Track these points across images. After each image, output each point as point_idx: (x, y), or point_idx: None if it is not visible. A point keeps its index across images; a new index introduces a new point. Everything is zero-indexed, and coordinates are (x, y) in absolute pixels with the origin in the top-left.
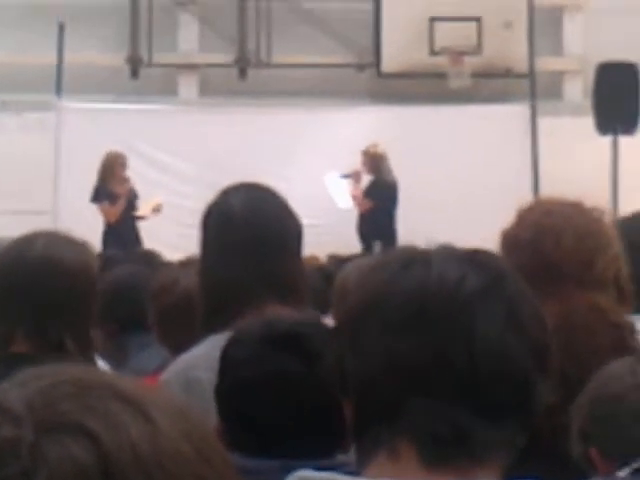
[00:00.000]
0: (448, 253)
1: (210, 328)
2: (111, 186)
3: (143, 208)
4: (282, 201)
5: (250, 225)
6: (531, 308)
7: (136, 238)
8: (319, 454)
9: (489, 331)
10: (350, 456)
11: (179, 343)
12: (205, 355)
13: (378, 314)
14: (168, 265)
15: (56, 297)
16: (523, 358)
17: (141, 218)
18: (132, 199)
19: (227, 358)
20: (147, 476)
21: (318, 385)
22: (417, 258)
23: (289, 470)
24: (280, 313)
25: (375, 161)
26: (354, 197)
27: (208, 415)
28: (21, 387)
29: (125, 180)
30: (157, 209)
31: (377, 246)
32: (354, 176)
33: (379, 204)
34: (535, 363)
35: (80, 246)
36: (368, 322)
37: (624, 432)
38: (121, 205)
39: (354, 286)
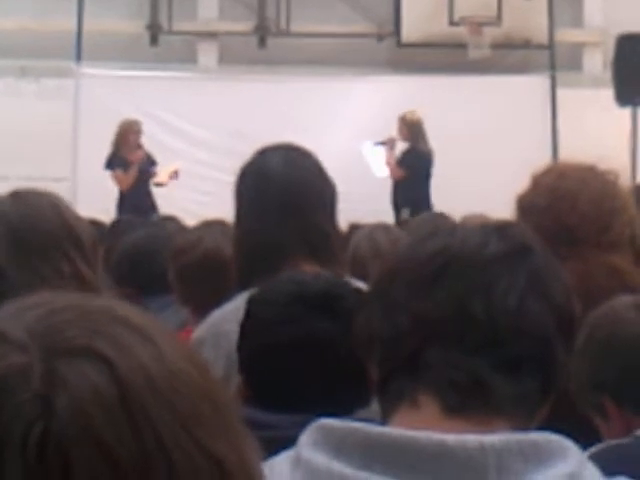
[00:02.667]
0: (474, 223)
1: (244, 285)
2: (124, 153)
3: (160, 175)
4: (318, 162)
5: (288, 184)
6: (558, 281)
7: (151, 205)
8: (340, 410)
9: (509, 290)
10: (370, 411)
11: (199, 303)
12: (235, 309)
13: (403, 274)
14: (188, 227)
15: (52, 238)
16: (543, 319)
17: (159, 185)
18: (147, 166)
19: (254, 318)
20: (159, 397)
21: (349, 346)
22: (443, 227)
23: (310, 424)
24: (308, 272)
25: (412, 128)
26: (388, 165)
27: (236, 367)
28: (18, 315)
29: (138, 147)
30: (174, 175)
31: (405, 213)
32: (388, 143)
33: (412, 173)
34: (557, 326)
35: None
36: (394, 282)
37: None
38: (133, 172)
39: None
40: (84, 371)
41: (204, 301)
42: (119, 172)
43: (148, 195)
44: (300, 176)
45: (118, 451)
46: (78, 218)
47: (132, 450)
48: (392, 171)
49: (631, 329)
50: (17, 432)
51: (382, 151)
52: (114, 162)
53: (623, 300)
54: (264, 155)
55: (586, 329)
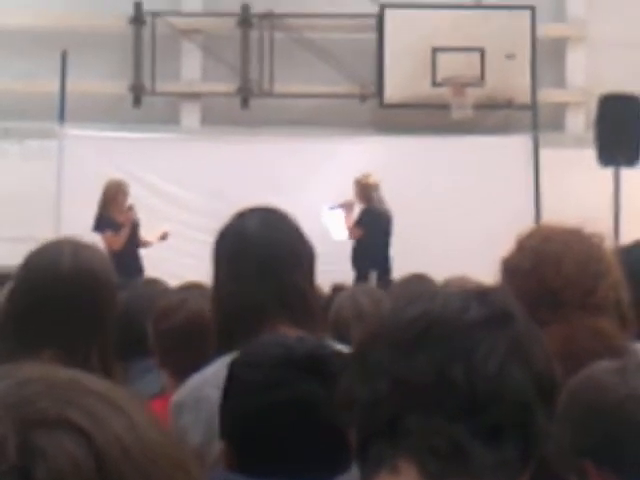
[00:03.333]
0: (455, 287)
1: (223, 349)
2: (113, 214)
3: (150, 235)
4: (295, 224)
5: (265, 246)
6: (538, 347)
7: (139, 267)
8: (322, 475)
9: (489, 356)
10: (350, 475)
11: (179, 366)
12: (215, 374)
13: (384, 338)
14: (169, 290)
15: (89, 309)
16: (524, 385)
17: (146, 244)
18: (134, 228)
19: (239, 381)
20: (135, 468)
21: (331, 409)
22: (424, 292)
23: None
24: (289, 334)
25: (366, 190)
26: (347, 226)
27: (216, 432)
28: None
29: (129, 208)
30: (164, 237)
31: (372, 276)
32: (346, 206)
33: (369, 232)
34: (537, 393)
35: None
36: (375, 346)
37: (623, 444)
38: (125, 233)
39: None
40: (61, 443)
41: (184, 365)
42: (109, 234)
43: (136, 257)
44: (277, 238)
45: None
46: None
47: None
48: (350, 231)
49: (613, 395)
50: None
51: (340, 214)
52: (103, 223)
53: (605, 365)
54: (242, 217)
55: (568, 394)
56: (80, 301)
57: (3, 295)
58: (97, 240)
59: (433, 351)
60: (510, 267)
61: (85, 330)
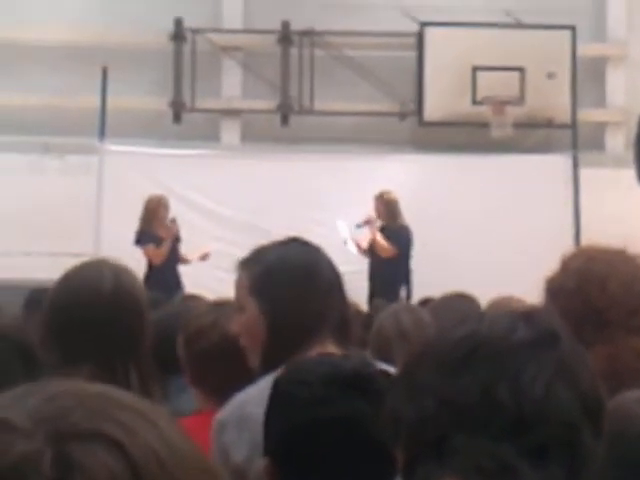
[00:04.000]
0: (501, 309)
1: (269, 369)
2: (155, 229)
3: (192, 253)
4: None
5: (308, 270)
6: (584, 368)
7: (178, 282)
8: None
9: (536, 377)
10: None
11: (212, 386)
12: (259, 392)
13: (431, 358)
14: (201, 308)
15: (126, 330)
16: (570, 406)
17: (186, 262)
18: (176, 242)
19: (288, 397)
20: (170, 478)
21: (378, 427)
22: (471, 313)
23: None
24: (332, 353)
25: (393, 206)
26: (376, 243)
27: (259, 449)
28: (18, 403)
29: (171, 221)
30: (205, 257)
31: (403, 291)
32: (371, 222)
33: (404, 249)
34: (584, 413)
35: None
36: (422, 366)
37: None
38: (167, 247)
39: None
40: (97, 455)
41: (217, 384)
42: (151, 247)
43: (175, 272)
44: (320, 268)
45: None
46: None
47: None
48: (382, 250)
49: (637, 426)
50: None
51: (366, 232)
52: (144, 238)
53: (630, 395)
54: (285, 247)
55: None
56: (119, 322)
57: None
58: (137, 255)
59: (480, 371)
60: (554, 287)
61: (123, 349)
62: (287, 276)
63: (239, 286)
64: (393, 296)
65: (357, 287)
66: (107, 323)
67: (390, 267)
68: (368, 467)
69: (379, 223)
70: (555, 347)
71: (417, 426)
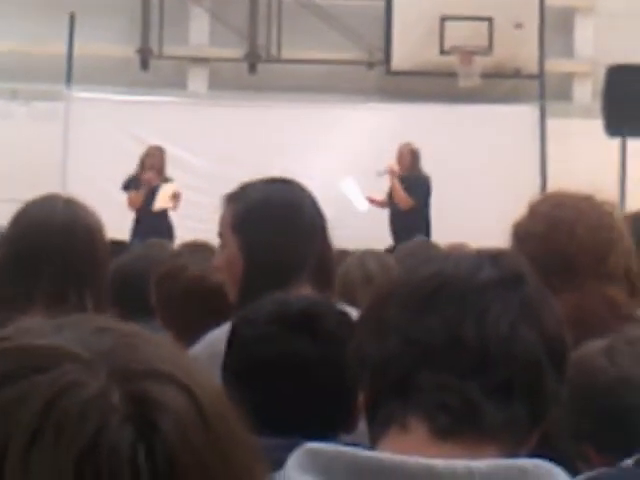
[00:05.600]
0: (467, 250)
1: (244, 306)
2: (140, 175)
3: (160, 199)
4: (310, 194)
5: (285, 212)
6: (549, 311)
7: (168, 228)
8: (324, 433)
9: (501, 316)
10: (353, 437)
11: (182, 328)
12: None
13: (396, 298)
14: (174, 252)
15: (79, 259)
16: (535, 347)
17: (162, 208)
18: (154, 191)
19: (237, 336)
20: (227, 426)
21: (330, 367)
22: (436, 256)
23: (295, 448)
24: (297, 294)
25: (415, 157)
26: (395, 193)
27: None
28: (60, 334)
29: (149, 168)
30: (176, 197)
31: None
32: (391, 172)
33: (420, 200)
34: (548, 355)
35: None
36: (386, 306)
37: (617, 426)
38: (141, 193)
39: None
40: (171, 395)
41: (188, 327)
42: (132, 193)
43: (164, 218)
44: (300, 206)
45: (212, 465)
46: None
47: (218, 466)
48: (402, 200)
49: (603, 378)
50: (125, 454)
51: (384, 179)
52: (129, 183)
53: (595, 345)
54: (267, 185)
55: None
56: (72, 251)
57: None
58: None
59: (444, 310)
60: (521, 232)
61: (77, 278)
62: (268, 214)
63: (222, 222)
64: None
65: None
66: (59, 251)
67: (409, 216)
68: (324, 409)
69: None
70: (520, 288)
71: (381, 366)
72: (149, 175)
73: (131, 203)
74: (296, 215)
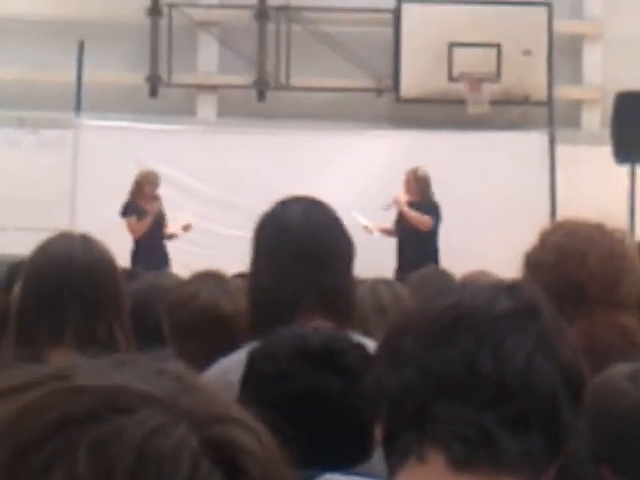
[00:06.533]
0: (483, 282)
1: (255, 337)
2: (140, 203)
3: (173, 226)
4: (337, 217)
5: (303, 237)
6: (565, 342)
7: (165, 258)
8: (341, 465)
9: (517, 348)
10: (370, 465)
11: (195, 357)
12: (241, 361)
13: (413, 329)
14: (185, 280)
15: (103, 294)
16: (551, 378)
17: (171, 236)
18: (160, 219)
19: (255, 372)
20: (281, 464)
21: (351, 401)
22: (453, 286)
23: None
24: (311, 326)
25: (424, 183)
26: (411, 219)
27: None
28: (124, 371)
29: (154, 198)
30: (187, 228)
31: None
32: (397, 203)
33: (435, 225)
34: (564, 386)
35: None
36: (404, 338)
37: (637, 449)
38: (148, 221)
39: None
40: (249, 438)
41: (200, 355)
42: (133, 219)
43: (162, 249)
44: (318, 229)
45: None
46: (122, 278)
47: None
48: (420, 223)
49: (626, 401)
50: None
51: (391, 212)
52: (129, 209)
53: (619, 370)
54: (283, 206)
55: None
56: (95, 285)
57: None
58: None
59: (461, 342)
60: (533, 261)
61: (104, 312)
62: (270, 240)
63: None
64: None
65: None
66: (83, 287)
67: (419, 244)
68: (343, 441)
69: (406, 199)
70: (536, 319)
71: (399, 397)
72: (157, 206)
73: (135, 231)
74: (293, 241)
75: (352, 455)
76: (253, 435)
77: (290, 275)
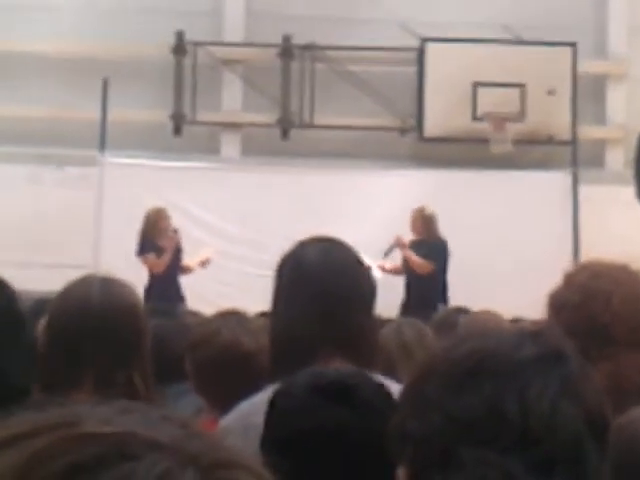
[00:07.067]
0: (508, 328)
1: (276, 377)
2: (156, 239)
3: (191, 260)
4: (357, 257)
5: (322, 278)
6: (590, 386)
7: (179, 294)
8: None
9: (542, 392)
10: None
11: (217, 395)
12: (263, 402)
13: (437, 372)
14: (208, 318)
15: (122, 341)
16: (576, 422)
17: (187, 270)
18: (177, 253)
19: (276, 408)
20: None
21: (369, 436)
22: (476, 332)
23: None
24: (334, 367)
25: (430, 222)
26: (411, 262)
27: None
28: (127, 417)
29: (173, 231)
30: (205, 263)
31: (441, 308)
32: (399, 244)
33: (439, 265)
34: (590, 430)
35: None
36: (428, 382)
37: None
38: (167, 257)
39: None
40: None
41: (222, 393)
42: (152, 257)
43: (176, 284)
44: (336, 270)
45: None
46: (146, 319)
47: None
48: (419, 267)
49: None
50: None
51: (393, 255)
52: (145, 248)
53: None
54: (303, 246)
55: None
56: (112, 332)
57: (42, 326)
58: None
59: (485, 387)
60: (558, 302)
61: (122, 358)
62: (289, 280)
63: None
64: (430, 311)
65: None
66: (99, 334)
67: (427, 282)
68: (361, 477)
69: (412, 237)
70: (561, 364)
71: (423, 441)
72: (176, 239)
73: (155, 267)
74: (313, 283)
75: None
76: (258, 479)
77: (308, 316)
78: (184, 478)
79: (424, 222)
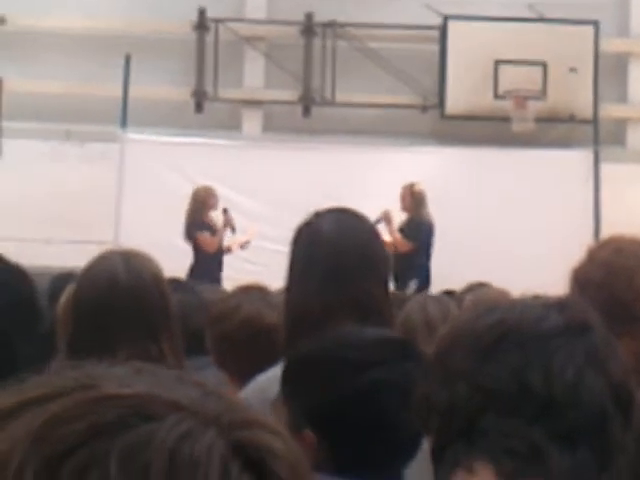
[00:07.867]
0: (533, 299)
1: (290, 349)
2: (206, 218)
3: (233, 240)
4: (371, 226)
5: (337, 246)
6: (615, 358)
7: (219, 274)
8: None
9: (566, 363)
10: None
11: (236, 368)
12: (278, 377)
13: (463, 343)
14: (228, 293)
15: (151, 314)
16: (601, 393)
17: (228, 250)
18: (230, 232)
19: (339, 362)
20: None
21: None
22: (501, 303)
23: None
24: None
25: (418, 199)
26: (392, 239)
27: None
28: (145, 378)
29: (224, 211)
30: (244, 245)
31: (413, 284)
32: (385, 218)
33: (418, 244)
34: (614, 403)
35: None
36: (453, 352)
37: None
38: (220, 235)
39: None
40: (277, 442)
41: (240, 366)
42: (207, 235)
43: (220, 264)
44: (351, 239)
45: None
46: (169, 290)
47: None
48: (398, 244)
49: None
50: None
51: (382, 228)
52: (197, 227)
53: None
54: (318, 217)
55: None
56: (141, 304)
57: (64, 302)
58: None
59: (510, 357)
60: (581, 279)
61: (152, 330)
62: (303, 251)
63: None
64: (401, 289)
65: None
66: (129, 308)
67: (403, 261)
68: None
69: (402, 215)
70: (586, 336)
71: (448, 411)
72: (229, 217)
73: (210, 246)
74: (338, 251)
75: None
76: (279, 438)
77: (321, 286)
78: (205, 438)
79: (413, 198)
